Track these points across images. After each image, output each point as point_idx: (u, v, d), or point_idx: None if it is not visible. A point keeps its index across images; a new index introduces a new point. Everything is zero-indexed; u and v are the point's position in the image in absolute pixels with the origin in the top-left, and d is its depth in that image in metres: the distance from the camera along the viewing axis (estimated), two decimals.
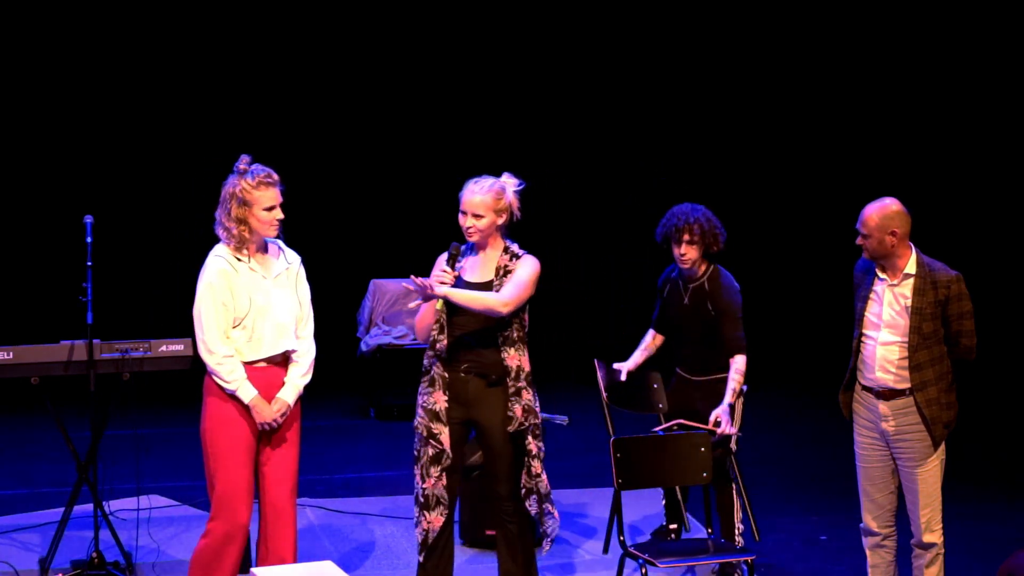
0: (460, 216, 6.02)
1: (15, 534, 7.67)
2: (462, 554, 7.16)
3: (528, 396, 6.00)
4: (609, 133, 12.81)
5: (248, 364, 5.94)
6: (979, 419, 9.96)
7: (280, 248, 6.09)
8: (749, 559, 6.16)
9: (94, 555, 6.83)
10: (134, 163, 11.88)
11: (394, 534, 7.77)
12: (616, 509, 6.21)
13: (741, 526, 6.95)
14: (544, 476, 6.03)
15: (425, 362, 6.08)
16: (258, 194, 5.88)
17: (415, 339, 10.13)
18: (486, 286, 6.00)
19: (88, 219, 6.81)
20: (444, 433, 6.02)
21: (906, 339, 6.04)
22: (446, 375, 6.03)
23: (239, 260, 5.94)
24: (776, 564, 7.42)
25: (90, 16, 11.58)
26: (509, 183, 6.03)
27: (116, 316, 8.09)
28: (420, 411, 6.08)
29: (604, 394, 6.96)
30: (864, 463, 6.26)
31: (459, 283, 5.98)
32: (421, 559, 6.11)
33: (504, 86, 12.50)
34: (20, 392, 7.11)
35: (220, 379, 5.90)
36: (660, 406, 6.95)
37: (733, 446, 6.70)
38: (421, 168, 12.36)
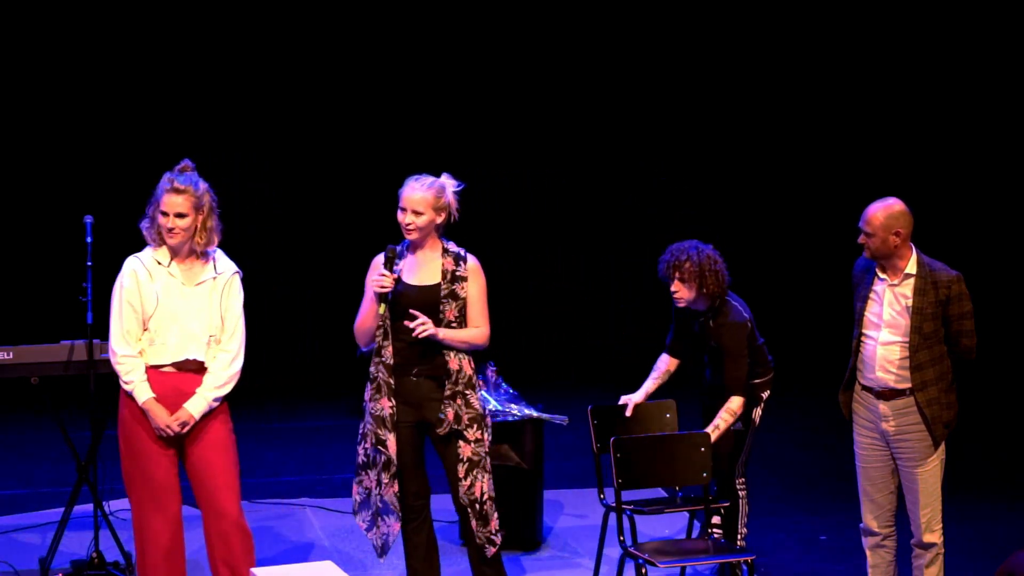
0: (399, 213, 6.09)
1: (15, 534, 7.67)
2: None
3: (462, 401, 6.01)
4: (609, 133, 12.79)
5: (154, 367, 5.93)
6: (979, 419, 9.94)
7: (214, 258, 6.04)
8: (749, 559, 6.16)
9: (94, 555, 6.83)
10: (134, 163, 11.83)
11: None
12: (616, 509, 6.22)
13: (745, 530, 6.94)
14: (482, 481, 6.02)
15: (371, 369, 6.08)
16: (164, 199, 5.89)
17: None
18: (432, 289, 6.03)
19: (88, 219, 6.82)
20: (391, 439, 6.04)
21: (906, 339, 6.03)
22: (392, 381, 6.04)
23: (159, 264, 5.95)
24: (776, 564, 7.42)
25: (90, 16, 11.56)
26: (449, 183, 6.10)
27: None
28: (368, 417, 6.10)
29: (596, 444, 6.84)
30: (864, 463, 6.26)
31: (400, 285, 6.02)
32: (413, 564, 6.20)
33: (504, 86, 12.48)
34: (20, 392, 7.09)
35: (120, 378, 5.93)
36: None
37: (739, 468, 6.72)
38: (421, 168, 12.31)
